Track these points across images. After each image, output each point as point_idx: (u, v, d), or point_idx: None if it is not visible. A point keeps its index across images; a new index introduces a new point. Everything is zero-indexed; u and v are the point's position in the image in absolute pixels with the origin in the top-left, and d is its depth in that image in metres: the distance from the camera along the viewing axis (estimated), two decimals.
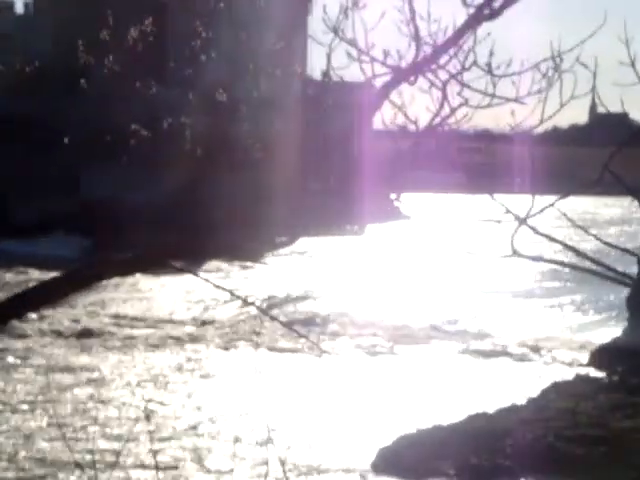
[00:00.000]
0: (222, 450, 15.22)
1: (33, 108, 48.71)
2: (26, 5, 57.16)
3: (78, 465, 12.54)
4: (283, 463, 8.38)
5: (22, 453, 14.87)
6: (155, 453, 13.83)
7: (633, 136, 6.87)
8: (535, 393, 15.05)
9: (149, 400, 17.69)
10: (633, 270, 9.68)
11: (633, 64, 7.01)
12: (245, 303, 25.18)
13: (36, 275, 34.53)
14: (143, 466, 13.88)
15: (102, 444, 15.02)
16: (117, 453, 13.94)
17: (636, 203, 6.36)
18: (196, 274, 5.89)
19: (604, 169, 6.15)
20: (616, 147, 6.33)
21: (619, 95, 7.69)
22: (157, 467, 12.48)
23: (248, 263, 39.27)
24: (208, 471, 14.33)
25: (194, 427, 16.50)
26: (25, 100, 48.72)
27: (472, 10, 4.88)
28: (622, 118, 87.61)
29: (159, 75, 47.40)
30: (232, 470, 14.18)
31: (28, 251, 41.62)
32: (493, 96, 5.14)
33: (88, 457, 13.54)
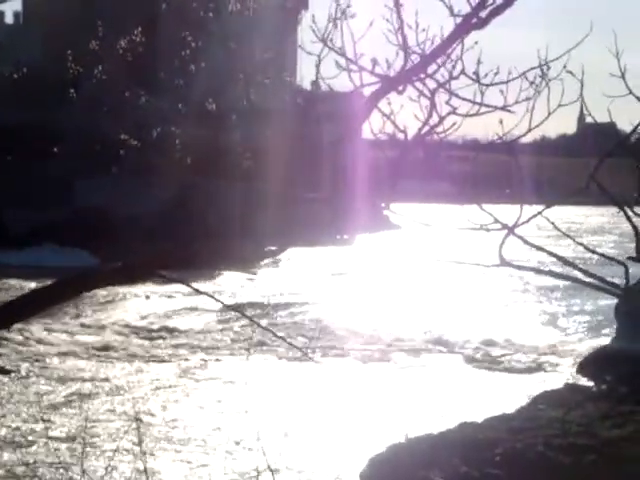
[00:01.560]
0: (212, 459, 15.21)
1: (24, 118, 48.67)
2: (16, 15, 57.15)
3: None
4: (273, 472, 8.40)
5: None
6: (145, 465, 13.80)
7: (617, 146, 6.91)
8: (524, 402, 15.09)
9: (137, 414, 17.66)
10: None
11: (623, 76, 7.07)
12: (238, 312, 25.17)
13: (29, 285, 34.48)
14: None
15: (92, 457, 15.01)
16: (107, 467, 13.91)
17: (621, 212, 6.41)
18: (187, 283, 5.90)
19: (589, 179, 6.20)
20: (602, 157, 6.37)
21: (606, 105, 7.74)
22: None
23: (238, 272, 39.26)
24: None
25: (184, 437, 16.49)
26: (16, 110, 48.68)
27: (459, 20, 4.92)
28: (610, 128, 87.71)
29: (149, 85, 47.46)
30: None
31: (21, 261, 41.57)
32: (481, 104, 5.18)
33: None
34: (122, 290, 32.66)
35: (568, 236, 8.37)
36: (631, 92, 6.97)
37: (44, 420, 16.98)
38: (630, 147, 7.59)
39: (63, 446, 15.55)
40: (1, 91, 48.52)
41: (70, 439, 16.02)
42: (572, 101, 5.90)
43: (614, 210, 7.26)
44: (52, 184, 48.74)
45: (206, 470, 14.70)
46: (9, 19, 57.17)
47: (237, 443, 15.62)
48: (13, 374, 21.16)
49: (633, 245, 6.64)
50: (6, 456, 15.16)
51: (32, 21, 54.61)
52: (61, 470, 14.09)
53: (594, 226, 73.78)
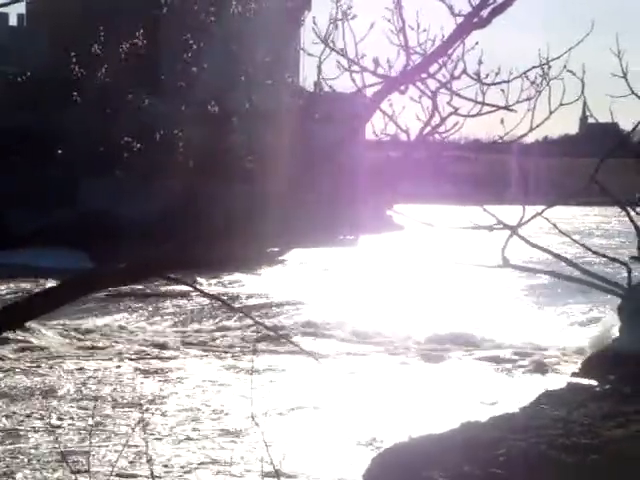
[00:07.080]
0: (215, 458, 15.24)
1: (28, 119, 48.75)
2: (20, 17, 57.17)
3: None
4: (277, 473, 8.42)
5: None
6: (150, 462, 13.87)
7: (618, 146, 6.96)
8: (527, 401, 15.10)
9: (146, 409, 17.73)
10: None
11: (625, 76, 7.09)
12: (242, 314, 25.22)
13: (32, 286, 34.57)
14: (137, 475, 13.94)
15: (99, 450, 15.06)
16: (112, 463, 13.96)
17: (617, 212, 6.45)
18: (193, 285, 5.94)
19: (590, 179, 6.23)
20: (602, 158, 6.41)
21: (608, 105, 7.77)
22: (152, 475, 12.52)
23: (242, 273, 39.28)
24: None
25: (188, 435, 16.54)
26: (20, 112, 48.75)
27: (460, 19, 4.95)
28: (612, 128, 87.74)
29: (152, 87, 47.53)
30: None
31: (24, 262, 41.63)
32: (483, 104, 5.21)
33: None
34: None
35: (571, 238, 8.38)
36: (633, 92, 7.01)
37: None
38: (632, 147, 7.63)
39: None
40: (5, 93, 48.56)
41: None
42: (573, 100, 5.94)
43: (617, 210, 7.28)
44: (55, 186, 48.83)
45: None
46: (13, 21, 57.25)
47: (242, 441, 15.64)
48: None
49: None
50: None
51: (36, 23, 54.65)
52: None
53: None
